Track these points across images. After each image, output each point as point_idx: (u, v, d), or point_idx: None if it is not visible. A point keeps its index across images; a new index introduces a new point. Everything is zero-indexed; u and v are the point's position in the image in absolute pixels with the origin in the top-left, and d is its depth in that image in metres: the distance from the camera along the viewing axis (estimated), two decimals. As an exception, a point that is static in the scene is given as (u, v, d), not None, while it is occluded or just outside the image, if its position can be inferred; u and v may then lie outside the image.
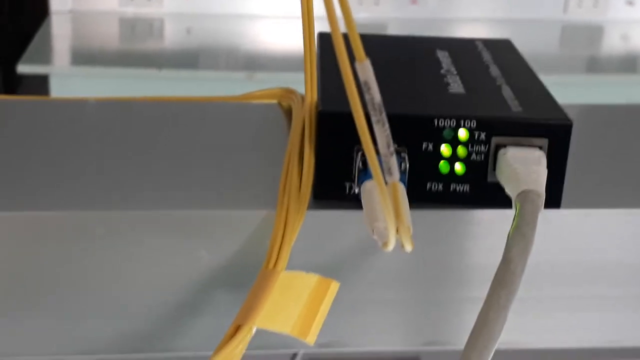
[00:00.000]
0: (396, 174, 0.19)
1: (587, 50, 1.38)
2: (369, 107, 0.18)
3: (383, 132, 0.18)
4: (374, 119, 0.17)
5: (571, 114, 0.26)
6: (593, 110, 0.35)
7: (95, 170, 0.27)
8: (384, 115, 0.18)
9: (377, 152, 0.19)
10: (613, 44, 1.41)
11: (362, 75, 0.17)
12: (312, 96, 0.26)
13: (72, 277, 0.25)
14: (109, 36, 1.25)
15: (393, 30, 1.33)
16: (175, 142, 0.30)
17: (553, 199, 0.25)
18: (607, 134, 0.32)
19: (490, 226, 0.26)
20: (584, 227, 0.26)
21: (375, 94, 0.17)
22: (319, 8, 0.22)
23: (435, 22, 1.34)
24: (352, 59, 0.17)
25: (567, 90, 1.20)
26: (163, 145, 0.30)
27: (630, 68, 1.32)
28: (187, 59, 1.16)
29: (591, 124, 0.33)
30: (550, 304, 0.27)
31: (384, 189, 0.19)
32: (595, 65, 1.34)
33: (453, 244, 0.26)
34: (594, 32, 1.39)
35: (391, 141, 0.18)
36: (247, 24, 1.28)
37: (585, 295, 0.26)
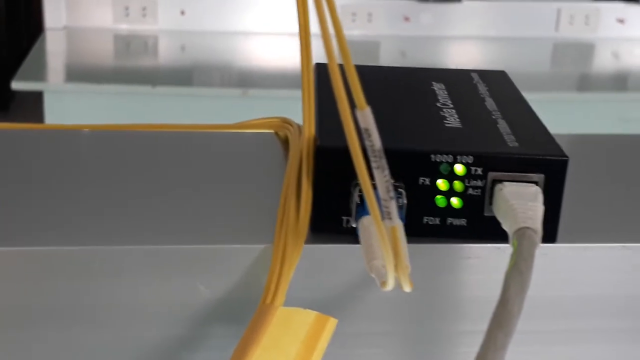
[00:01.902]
0: (395, 219, 0.19)
1: (578, 68, 1.39)
2: (370, 154, 0.18)
3: (383, 178, 0.18)
4: (374, 164, 0.17)
5: (565, 144, 0.26)
6: (587, 141, 0.36)
7: (90, 205, 0.27)
8: (384, 161, 0.18)
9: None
10: (604, 61, 1.42)
11: (362, 123, 0.17)
12: (310, 130, 0.26)
13: (68, 313, 0.25)
14: (103, 53, 1.25)
15: (386, 47, 1.34)
16: (170, 174, 0.30)
17: (549, 234, 0.25)
18: (601, 165, 0.33)
19: (487, 260, 0.26)
20: (580, 261, 0.26)
21: (375, 140, 0.17)
22: (317, 49, 0.22)
23: (428, 40, 1.35)
24: (352, 104, 0.17)
25: (559, 108, 1.21)
26: (158, 178, 0.30)
27: (621, 86, 1.34)
28: (182, 76, 1.16)
29: (586, 155, 0.33)
30: (548, 338, 0.27)
31: (383, 233, 0.19)
32: (587, 83, 1.35)
33: (450, 277, 0.26)
34: (586, 50, 1.41)
35: (391, 187, 0.18)
36: (241, 41, 1.28)
37: (583, 329, 0.27)
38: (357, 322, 0.26)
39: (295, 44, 0.23)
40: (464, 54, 1.35)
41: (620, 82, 1.35)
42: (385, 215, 0.19)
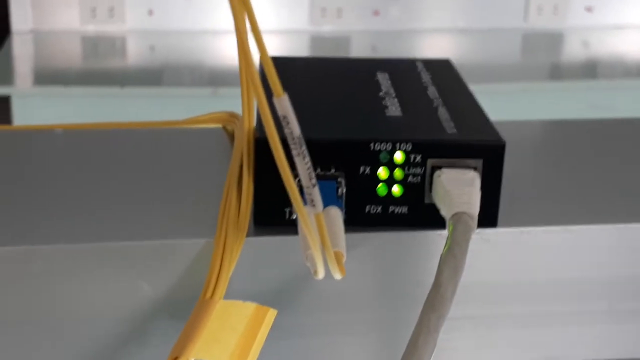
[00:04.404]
0: (319, 206, 0.19)
1: (548, 58, 1.40)
2: (289, 141, 0.18)
3: (304, 165, 0.18)
4: (294, 152, 0.17)
5: (509, 132, 0.26)
6: (528, 127, 0.36)
7: (32, 204, 0.27)
8: (304, 148, 0.18)
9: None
10: (573, 50, 1.44)
11: (280, 110, 0.17)
12: (250, 122, 0.26)
13: (10, 312, 0.25)
14: (71, 55, 1.24)
15: (356, 42, 1.34)
16: (114, 170, 0.30)
17: (489, 218, 0.26)
18: (543, 151, 0.33)
19: (429, 246, 0.26)
20: (520, 245, 0.26)
21: (294, 127, 0.17)
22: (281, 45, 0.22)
23: (398, 34, 1.35)
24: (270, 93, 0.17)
25: (530, 97, 1.22)
26: (101, 174, 0.30)
27: (590, 74, 1.35)
28: (151, 76, 1.15)
29: (528, 141, 0.33)
30: (492, 322, 0.27)
31: (306, 220, 0.19)
32: (557, 72, 1.36)
33: (393, 265, 0.26)
34: (555, 39, 1.41)
35: (313, 174, 0.18)
36: (211, 40, 1.28)
37: (522, 313, 0.27)
38: (303, 313, 0.26)
39: (267, 41, 0.23)
40: (434, 47, 1.35)
41: (589, 70, 1.36)
42: (309, 202, 0.19)
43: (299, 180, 0.19)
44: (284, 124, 0.17)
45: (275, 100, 0.17)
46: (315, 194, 0.19)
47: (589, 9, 1.43)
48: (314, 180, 0.18)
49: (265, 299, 0.24)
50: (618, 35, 1.42)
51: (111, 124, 0.34)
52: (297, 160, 0.18)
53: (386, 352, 0.27)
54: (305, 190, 0.19)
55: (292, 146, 0.17)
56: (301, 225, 0.22)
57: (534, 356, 0.27)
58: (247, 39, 0.25)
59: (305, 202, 0.21)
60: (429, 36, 1.36)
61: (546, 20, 1.40)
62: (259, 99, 0.17)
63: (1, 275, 0.24)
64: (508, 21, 1.38)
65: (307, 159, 0.18)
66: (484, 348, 0.27)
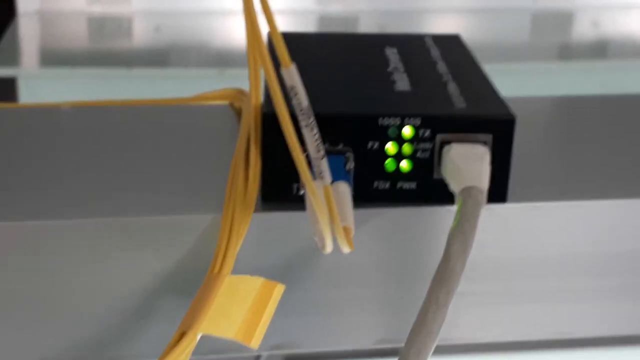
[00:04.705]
0: (327, 178, 0.19)
1: (558, 38, 1.38)
2: (297, 112, 0.17)
3: (312, 137, 0.18)
4: (302, 123, 0.17)
5: (519, 107, 0.26)
6: (538, 103, 0.36)
7: (38, 180, 0.27)
8: (312, 120, 0.18)
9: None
10: (583, 30, 1.42)
11: (288, 81, 0.17)
12: (257, 98, 0.26)
13: (18, 287, 0.25)
14: (78, 36, 1.24)
15: (364, 22, 1.33)
16: (122, 147, 0.30)
17: (499, 194, 0.25)
18: (554, 126, 0.33)
19: (438, 222, 0.26)
20: (531, 220, 0.26)
21: (302, 98, 0.17)
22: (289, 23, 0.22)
23: (407, 13, 1.34)
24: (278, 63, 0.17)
25: (539, 78, 1.21)
26: (110, 150, 0.29)
27: (601, 54, 1.33)
28: (157, 57, 1.15)
29: (538, 117, 0.33)
30: (498, 298, 0.27)
31: (315, 193, 0.19)
32: (567, 52, 1.35)
33: (402, 241, 0.26)
34: (564, 19, 1.40)
35: (321, 145, 0.18)
36: (218, 20, 1.27)
37: (532, 289, 0.27)
38: (311, 288, 0.26)
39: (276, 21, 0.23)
40: (442, 27, 1.34)
41: (600, 50, 1.34)
42: (317, 175, 0.19)
43: (307, 155, 0.19)
44: (291, 94, 0.17)
45: (283, 71, 0.17)
46: (324, 165, 0.18)
47: (599, -12, 1.41)
48: (322, 152, 0.18)
49: (272, 274, 0.24)
50: (629, 15, 1.40)
51: (119, 102, 0.34)
52: (305, 132, 0.17)
53: (393, 327, 0.27)
54: (313, 162, 0.19)
55: (300, 117, 0.17)
56: (309, 199, 0.22)
57: (545, 332, 0.27)
58: (255, 12, 0.25)
59: (314, 176, 0.20)
60: (437, 16, 1.35)
61: (555, 0, 1.39)
62: (266, 70, 0.17)
63: (10, 250, 0.24)
64: (517, 1, 1.37)
65: (316, 130, 0.18)
66: (493, 324, 0.27)
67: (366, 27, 1.33)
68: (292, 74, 0.17)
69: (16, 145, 0.30)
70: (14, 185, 0.27)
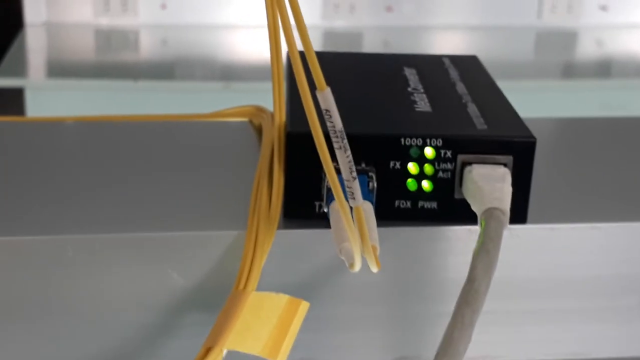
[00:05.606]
0: (359, 199, 0.19)
1: (561, 56, 1.39)
2: (331, 135, 0.18)
3: (345, 158, 0.18)
4: (336, 145, 0.18)
5: (537, 129, 0.26)
6: (558, 125, 0.36)
7: (65, 194, 0.27)
8: (345, 142, 0.18)
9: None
10: (587, 49, 1.43)
11: (323, 104, 0.17)
12: (281, 116, 0.26)
13: (43, 301, 0.25)
14: (84, 48, 1.25)
15: (369, 37, 1.34)
16: (145, 163, 0.30)
17: (519, 215, 0.26)
18: (571, 147, 0.33)
19: (458, 242, 0.26)
20: (550, 241, 0.26)
21: (336, 121, 0.17)
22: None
23: (411, 30, 1.35)
24: (313, 86, 0.18)
25: (542, 96, 1.21)
26: (133, 166, 0.30)
27: (604, 73, 1.34)
28: (163, 70, 1.16)
29: (557, 139, 0.33)
30: (520, 318, 0.27)
31: (347, 213, 0.19)
32: (570, 70, 1.36)
33: (422, 260, 0.26)
34: (568, 38, 1.41)
35: (353, 166, 0.18)
36: (223, 34, 1.28)
37: (554, 309, 0.27)
38: (331, 305, 0.26)
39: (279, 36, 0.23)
40: (447, 43, 1.35)
41: (603, 69, 1.35)
42: (349, 195, 0.19)
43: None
44: (326, 117, 0.17)
45: (319, 94, 0.17)
46: (356, 187, 0.19)
47: (603, 8, 1.42)
48: (354, 174, 0.18)
49: (295, 291, 0.24)
50: (632, 34, 1.41)
51: (139, 117, 0.34)
52: (339, 154, 0.18)
53: (413, 344, 0.27)
54: (345, 183, 0.19)
55: (334, 139, 0.18)
56: (337, 218, 0.22)
57: (564, 351, 0.27)
58: (279, 33, 0.25)
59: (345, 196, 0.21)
60: (442, 33, 1.36)
61: (560, 19, 1.40)
62: (302, 93, 0.17)
63: (33, 264, 0.24)
64: (521, 19, 1.38)
65: (349, 152, 0.18)
66: (515, 342, 0.27)
67: (370, 42, 1.34)
68: (327, 97, 0.17)
69: (40, 160, 0.30)
70: (42, 199, 0.27)
